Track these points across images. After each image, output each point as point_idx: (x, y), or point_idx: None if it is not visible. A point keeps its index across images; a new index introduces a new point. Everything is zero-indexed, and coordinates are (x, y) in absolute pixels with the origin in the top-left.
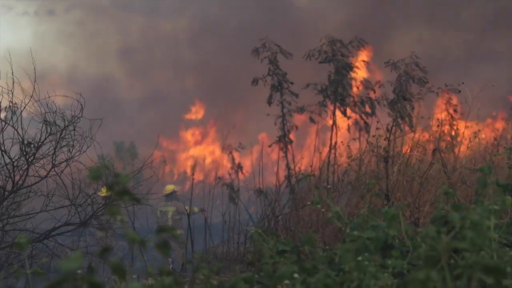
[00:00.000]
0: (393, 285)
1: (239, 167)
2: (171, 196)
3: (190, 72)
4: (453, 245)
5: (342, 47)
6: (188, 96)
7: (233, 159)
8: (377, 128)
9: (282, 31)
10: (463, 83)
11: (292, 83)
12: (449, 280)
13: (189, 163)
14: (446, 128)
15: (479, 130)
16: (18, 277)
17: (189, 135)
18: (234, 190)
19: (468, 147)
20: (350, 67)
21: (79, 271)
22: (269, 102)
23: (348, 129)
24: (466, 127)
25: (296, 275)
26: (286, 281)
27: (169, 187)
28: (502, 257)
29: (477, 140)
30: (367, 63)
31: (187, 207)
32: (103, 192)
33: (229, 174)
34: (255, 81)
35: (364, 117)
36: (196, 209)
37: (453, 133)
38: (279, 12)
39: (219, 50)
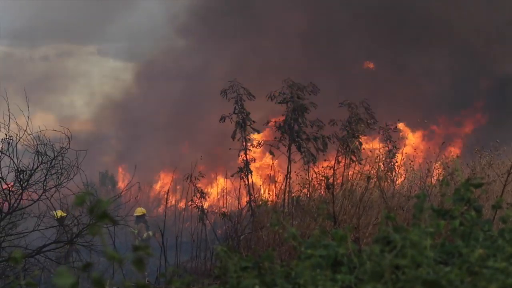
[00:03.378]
0: None
1: (202, 193)
2: (140, 218)
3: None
4: (395, 262)
5: (299, 90)
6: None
7: (194, 187)
8: (325, 160)
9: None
10: (398, 120)
11: (254, 122)
12: None
13: (164, 190)
14: (386, 160)
15: (412, 161)
16: (14, 287)
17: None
18: (204, 212)
19: (405, 177)
20: (304, 108)
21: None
22: (233, 137)
23: (303, 161)
24: (402, 159)
25: (257, 287)
26: None
27: (138, 210)
28: (438, 273)
29: (412, 169)
30: (315, 105)
31: (150, 232)
32: (58, 214)
33: (195, 200)
34: (222, 119)
35: (314, 151)
36: (150, 233)
37: (391, 164)
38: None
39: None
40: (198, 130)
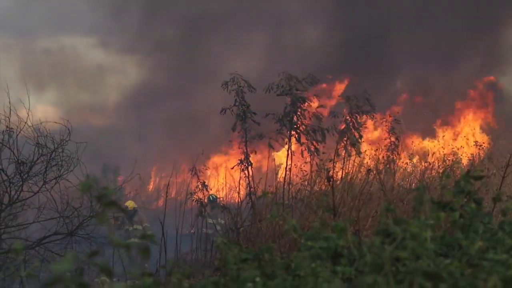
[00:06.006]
0: None
1: (204, 185)
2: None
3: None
4: (395, 254)
5: (297, 82)
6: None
7: (198, 179)
8: (323, 153)
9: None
10: (398, 113)
11: (255, 114)
12: (393, 284)
13: (163, 182)
14: (386, 153)
15: (411, 154)
16: (14, 278)
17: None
18: (203, 204)
19: (405, 169)
20: (303, 100)
21: (68, 273)
22: (234, 129)
23: (302, 154)
24: (402, 151)
25: (257, 279)
26: (249, 284)
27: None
28: (438, 265)
29: (414, 162)
30: (318, 98)
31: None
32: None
33: (195, 192)
34: (223, 110)
35: (315, 143)
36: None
37: (393, 157)
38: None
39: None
40: (203, 122)
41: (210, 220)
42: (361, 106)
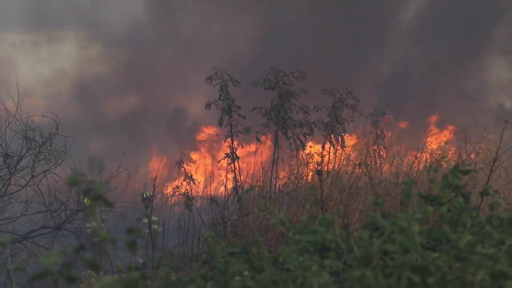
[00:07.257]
0: (331, 282)
1: (191, 178)
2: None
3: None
4: (384, 247)
5: (284, 76)
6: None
7: (185, 172)
8: (310, 146)
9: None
10: (387, 106)
11: (240, 107)
12: (381, 278)
13: (150, 175)
14: (373, 147)
15: (399, 148)
16: (2, 272)
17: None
18: (190, 198)
19: (391, 164)
20: (290, 94)
21: (56, 267)
22: (220, 124)
23: (290, 148)
24: (389, 146)
25: (245, 273)
26: (237, 278)
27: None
28: (426, 259)
29: (400, 157)
30: (304, 91)
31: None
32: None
33: (182, 185)
34: (208, 105)
35: (302, 138)
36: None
37: (380, 152)
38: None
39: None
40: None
41: (145, 220)
42: (345, 99)
